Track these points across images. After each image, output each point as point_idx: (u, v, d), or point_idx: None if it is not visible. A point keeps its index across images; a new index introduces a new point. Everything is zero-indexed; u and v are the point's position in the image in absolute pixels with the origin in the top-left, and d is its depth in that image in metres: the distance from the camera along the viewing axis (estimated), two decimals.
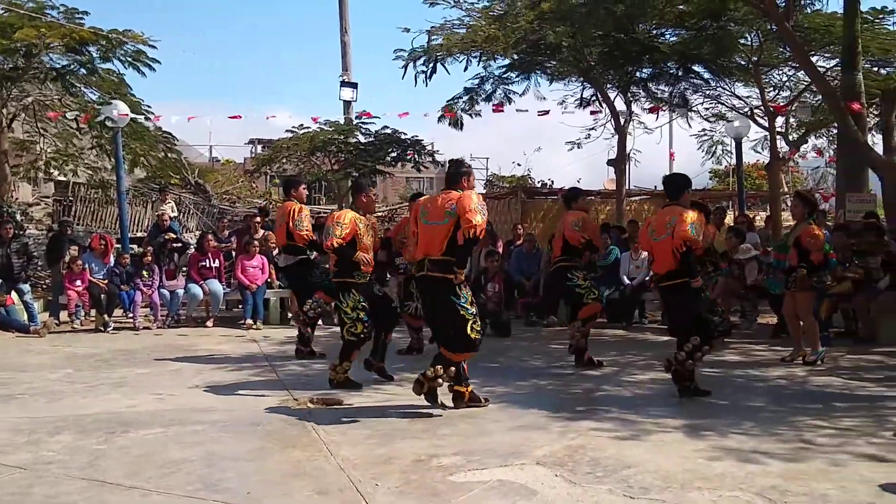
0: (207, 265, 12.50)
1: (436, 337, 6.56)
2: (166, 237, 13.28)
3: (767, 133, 17.66)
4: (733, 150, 17.45)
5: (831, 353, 8.88)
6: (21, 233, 15.58)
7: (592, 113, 18.63)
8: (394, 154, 19.20)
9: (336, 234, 6.96)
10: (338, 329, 7.45)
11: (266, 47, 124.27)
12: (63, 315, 12.11)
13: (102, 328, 11.62)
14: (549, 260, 9.72)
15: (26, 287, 11.86)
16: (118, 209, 15.57)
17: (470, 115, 17.71)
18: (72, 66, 16.71)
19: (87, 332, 11.59)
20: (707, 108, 18.86)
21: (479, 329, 6.12)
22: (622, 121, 17.93)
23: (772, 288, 10.29)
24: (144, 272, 12.16)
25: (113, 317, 11.97)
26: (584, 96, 18.50)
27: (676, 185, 7.08)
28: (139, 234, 18.75)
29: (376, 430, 5.66)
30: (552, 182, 24.98)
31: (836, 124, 14.16)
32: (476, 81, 17.59)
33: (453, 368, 6.10)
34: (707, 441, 5.30)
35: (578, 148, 20.50)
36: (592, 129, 19.53)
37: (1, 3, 15.57)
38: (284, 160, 20.40)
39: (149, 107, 17.34)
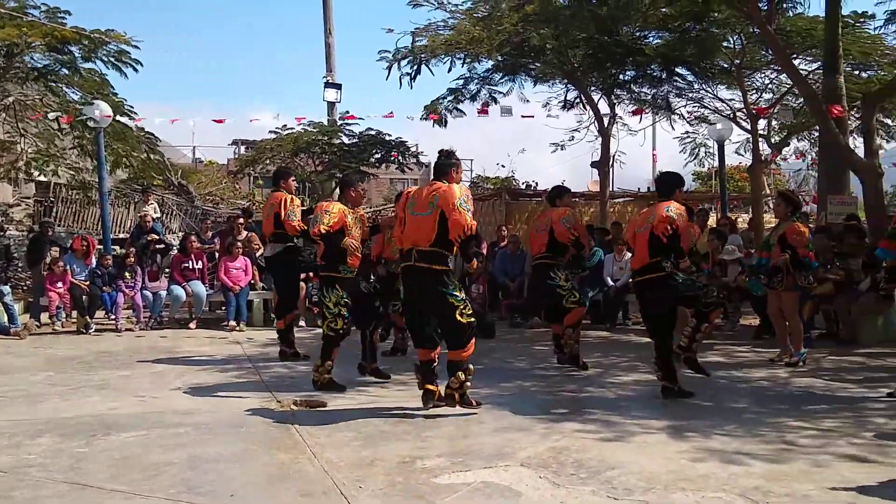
0: (190, 266, 12.44)
1: (417, 340, 6.41)
2: (149, 238, 13.21)
3: (750, 136, 17.77)
4: (716, 153, 17.52)
5: (813, 355, 8.93)
6: (1, 234, 15.48)
7: (577, 113, 18.73)
8: (378, 155, 19.19)
9: (324, 222, 6.94)
10: (321, 331, 7.43)
11: (251, 48, 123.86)
12: (44, 317, 12.04)
13: (84, 330, 11.54)
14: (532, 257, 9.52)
15: (6, 288, 11.73)
16: (100, 210, 15.45)
17: (453, 115, 17.74)
18: (53, 66, 16.60)
19: (68, 334, 11.52)
20: (690, 112, 18.98)
21: (469, 313, 6.05)
22: (606, 123, 17.99)
23: (754, 289, 10.33)
24: (127, 274, 12.09)
25: (95, 318, 11.89)
26: (568, 98, 18.57)
27: (669, 183, 7.07)
28: (121, 236, 18.67)
29: (360, 432, 5.65)
30: (536, 183, 25.09)
31: (817, 127, 14.25)
32: (461, 82, 17.64)
33: (470, 367, 6.08)
34: (690, 442, 5.33)
35: (562, 150, 20.60)
36: (576, 131, 19.65)
37: None
38: (268, 161, 20.33)
39: (131, 107, 17.26)
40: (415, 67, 16.23)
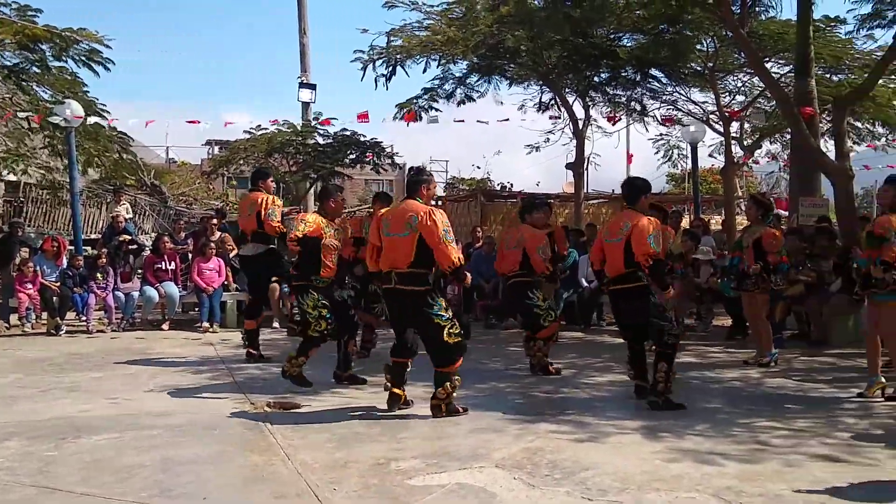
0: (163, 267, 12.33)
1: (396, 350, 6.34)
2: (121, 239, 13.08)
3: (723, 138, 17.92)
4: (689, 155, 17.67)
5: (785, 355, 9.02)
6: None
7: (552, 118, 18.78)
8: (353, 156, 19.13)
9: (299, 229, 7.02)
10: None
11: (225, 49, 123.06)
12: (13, 318, 11.86)
13: (54, 331, 11.41)
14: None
15: None
16: (71, 210, 15.29)
17: (429, 118, 17.69)
18: (24, 64, 16.39)
19: (38, 336, 11.36)
20: (663, 116, 19.08)
21: (457, 332, 6.06)
22: (580, 125, 18.07)
23: (726, 290, 10.43)
24: (98, 275, 11.96)
25: (66, 320, 11.75)
26: (543, 100, 18.63)
27: (635, 188, 6.95)
28: (93, 236, 18.45)
29: (334, 433, 5.63)
30: (511, 185, 25.23)
31: (789, 130, 14.39)
32: (437, 82, 17.64)
33: (457, 378, 6.10)
34: (664, 442, 5.36)
35: (537, 151, 20.68)
36: (551, 133, 19.70)
37: None
38: (242, 161, 20.22)
39: (104, 106, 17.09)
40: (390, 68, 16.19)
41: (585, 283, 12.22)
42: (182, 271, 12.64)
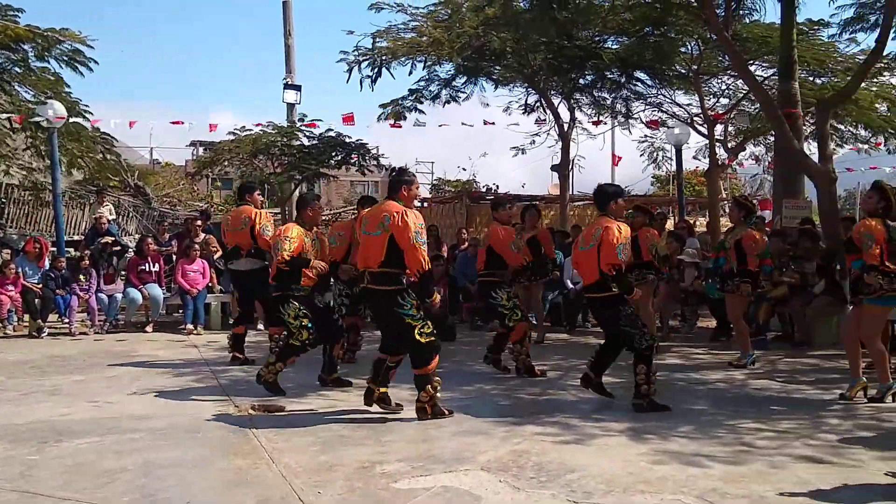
0: (147, 269, 12.25)
1: (383, 346, 6.39)
2: (104, 241, 12.99)
3: (707, 140, 17.98)
4: (674, 157, 17.73)
5: (769, 357, 9.06)
6: None
7: (537, 122, 18.82)
8: (338, 157, 19.05)
9: (285, 249, 6.99)
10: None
11: (209, 50, 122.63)
12: None
13: (36, 334, 11.33)
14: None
15: None
16: (54, 212, 15.18)
17: (408, 115, 17.71)
18: (6, 64, 16.26)
19: (20, 338, 11.28)
20: (648, 118, 19.12)
21: (428, 331, 6.06)
22: (566, 127, 18.09)
23: (711, 292, 10.47)
24: (81, 276, 11.88)
25: (48, 322, 11.67)
26: (528, 102, 18.66)
27: (605, 194, 6.88)
28: (76, 238, 18.32)
29: (319, 436, 5.60)
30: (497, 187, 25.15)
31: (773, 132, 14.46)
32: (422, 84, 17.63)
33: (437, 379, 6.11)
34: (649, 445, 5.36)
35: (523, 153, 20.70)
36: (537, 135, 19.74)
37: None
38: (226, 163, 20.09)
39: (87, 106, 16.98)
40: (375, 70, 16.16)
41: (571, 285, 12.22)
42: (166, 273, 12.57)
